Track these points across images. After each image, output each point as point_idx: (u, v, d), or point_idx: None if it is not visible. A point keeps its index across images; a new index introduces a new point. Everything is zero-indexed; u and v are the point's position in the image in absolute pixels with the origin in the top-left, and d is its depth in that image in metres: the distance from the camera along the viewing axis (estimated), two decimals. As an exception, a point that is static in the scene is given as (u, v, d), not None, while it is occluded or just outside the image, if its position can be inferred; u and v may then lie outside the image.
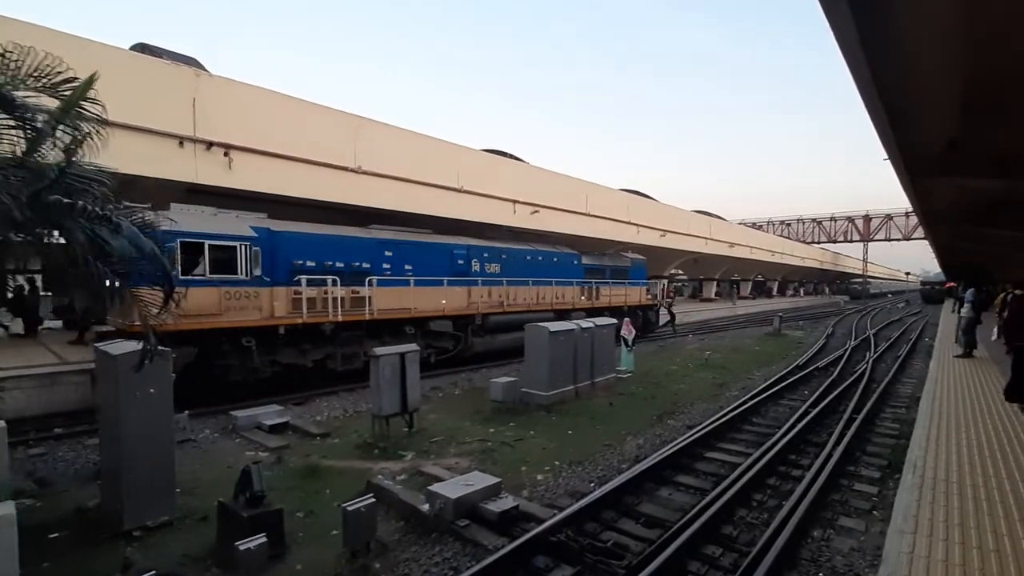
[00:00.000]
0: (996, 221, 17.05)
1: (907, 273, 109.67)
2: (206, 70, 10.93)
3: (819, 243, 60.03)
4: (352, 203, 12.63)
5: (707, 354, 15.53)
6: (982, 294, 13.59)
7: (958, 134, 9.59)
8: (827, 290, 72.89)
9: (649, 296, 21.63)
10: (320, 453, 7.31)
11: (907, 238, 54.56)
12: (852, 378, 12.10)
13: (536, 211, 17.51)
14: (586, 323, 10.98)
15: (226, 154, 10.58)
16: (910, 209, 41.71)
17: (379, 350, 7.50)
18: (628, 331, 13.20)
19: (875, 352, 16.56)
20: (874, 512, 5.23)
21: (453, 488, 5.11)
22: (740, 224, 44.97)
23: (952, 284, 42.27)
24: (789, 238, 55.31)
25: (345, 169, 12.36)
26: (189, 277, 9.08)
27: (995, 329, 14.37)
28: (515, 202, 16.81)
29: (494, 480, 5.40)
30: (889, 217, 55.34)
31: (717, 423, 8.21)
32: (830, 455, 6.64)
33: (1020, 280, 25.07)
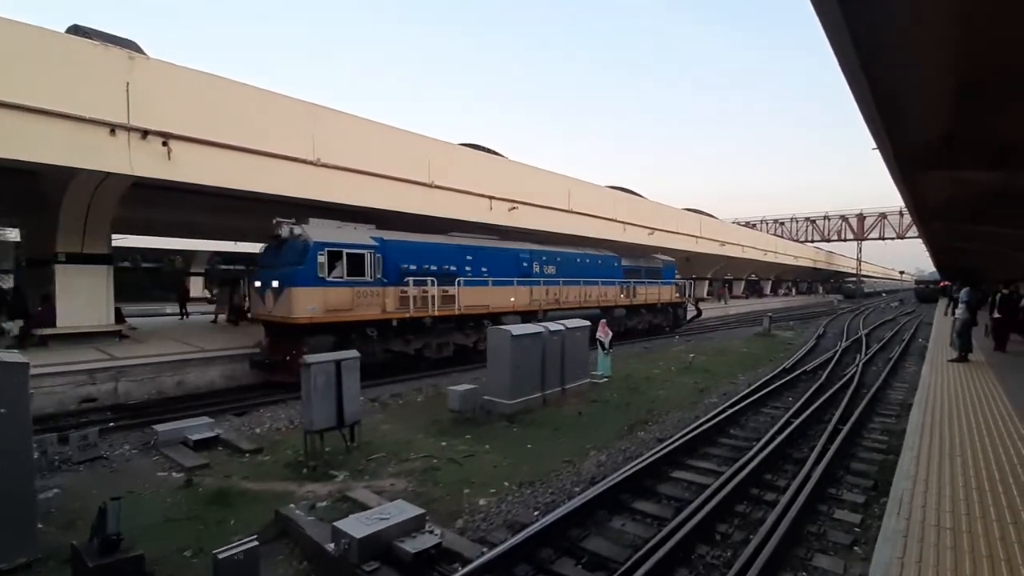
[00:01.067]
0: (991, 218, 16.45)
1: (901, 272, 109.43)
2: (143, 53, 10.12)
3: (813, 242, 59.50)
4: (310, 198, 11.86)
5: (691, 356, 14.82)
6: (977, 294, 12.93)
7: (953, 125, 8.93)
8: (821, 289, 72.43)
9: (678, 294, 23.60)
10: (242, 473, 6.55)
11: (901, 237, 54.02)
12: (840, 383, 11.40)
13: (514, 208, 16.77)
14: (555, 325, 10.24)
15: (165, 143, 9.77)
16: (904, 208, 41.24)
17: (311, 357, 6.72)
18: (604, 333, 12.47)
19: (866, 354, 15.88)
20: (855, 548, 4.50)
21: (364, 523, 4.36)
22: (733, 223, 44.34)
23: (946, 283, 41.81)
24: (782, 237, 54.74)
25: (302, 161, 11.56)
26: (331, 279, 11.00)
27: (985, 327, 13.74)
28: (491, 198, 16.05)
29: (417, 511, 4.65)
30: (883, 216, 54.81)
31: (691, 435, 7.48)
32: (809, 475, 5.92)
33: (1013, 279, 24.53)
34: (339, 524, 4.37)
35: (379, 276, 11.85)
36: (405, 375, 12.34)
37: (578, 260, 18.18)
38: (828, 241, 59.66)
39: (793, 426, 7.95)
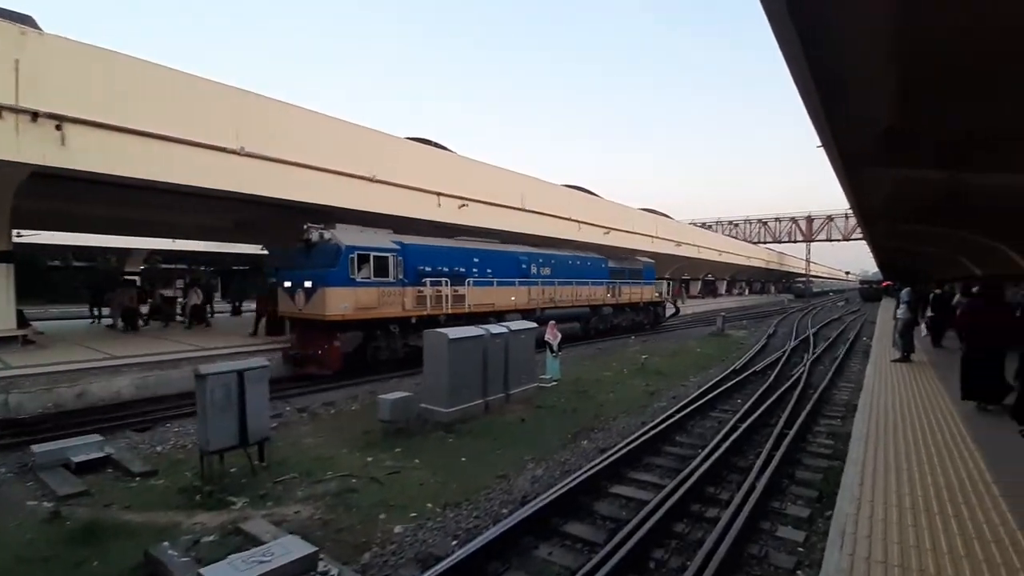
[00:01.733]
0: (931, 219, 16.95)
1: (847, 272, 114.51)
2: (38, 28, 8.99)
3: (765, 243, 61.28)
4: (233, 190, 10.90)
5: (644, 358, 14.55)
6: (918, 294, 13.17)
7: (894, 121, 8.88)
8: (773, 289, 74.81)
9: (657, 294, 25.39)
10: (125, 501, 5.69)
11: (847, 238, 56.29)
12: (788, 383, 11.32)
13: (464, 205, 16.14)
14: (498, 328, 9.69)
15: (58, 127, 8.68)
16: (850, 210, 42.89)
17: (206, 367, 5.91)
18: (553, 336, 12.01)
19: (813, 353, 16.04)
20: (798, 573, 4.11)
21: (239, 569, 3.67)
22: (690, 224, 45.03)
23: (888, 283, 43.67)
24: (736, 238, 56.10)
25: (222, 150, 10.59)
26: (360, 280, 11.83)
27: (922, 326, 14.08)
28: (439, 194, 15.38)
29: (308, 549, 3.99)
30: (830, 218, 56.97)
31: (635, 444, 7.07)
32: (753, 486, 5.57)
33: (948, 279, 25.64)
34: (208, 571, 3.66)
35: (400, 277, 12.88)
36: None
37: (570, 262, 19.41)
38: (779, 242, 61.60)
39: (739, 431, 7.66)
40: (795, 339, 19.96)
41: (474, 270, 15.10)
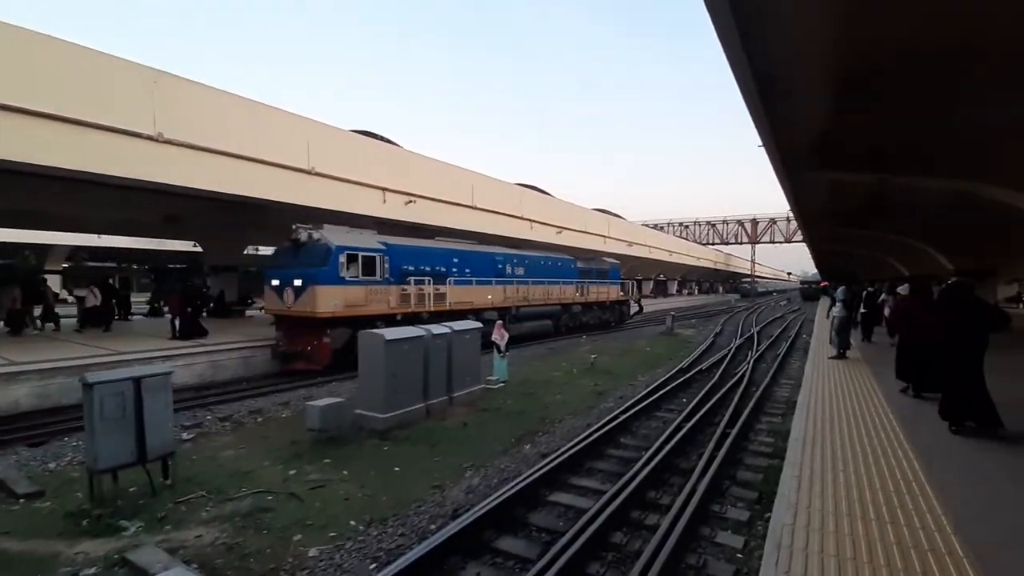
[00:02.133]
0: (864, 222, 17.74)
1: (789, 273, 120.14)
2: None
3: (713, 244, 63.29)
4: (150, 180, 9.97)
5: (593, 357, 14.45)
6: (853, 292, 13.65)
7: (830, 125, 9.07)
8: (720, 289, 77.43)
9: (622, 293, 26.72)
10: (3, 527, 4.95)
11: (788, 240, 58.91)
12: (732, 381, 11.45)
13: (411, 201, 15.58)
14: (440, 328, 9.27)
15: (-67, 103, 7.63)
16: (791, 214, 44.85)
17: (95, 375, 5.21)
18: (500, 335, 11.68)
19: (757, 351, 16.44)
20: (736, 583, 3.93)
21: (104, 612, 3.12)
22: (642, 225, 45.83)
23: (826, 283, 45.89)
24: (687, 239, 57.65)
25: (137, 136, 9.67)
26: (348, 278, 12.25)
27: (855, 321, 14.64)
28: (385, 190, 14.77)
29: (195, 584, 3.48)
30: (773, 221, 59.49)
31: (579, 447, 6.83)
32: (694, 489, 5.41)
33: (879, 280, 27.06)
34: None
35: (386, 276, 13.34)
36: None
37: (542, 263, 20.34)
38: (727, 244, 63.82)
39: (683, 431, 7.56)
40: (740, 337, 20.48)
41: (454, 270, 15.73)
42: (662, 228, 59.40)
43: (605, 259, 26.03)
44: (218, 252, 21.11)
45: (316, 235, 12.36)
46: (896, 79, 6.91)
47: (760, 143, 8.83)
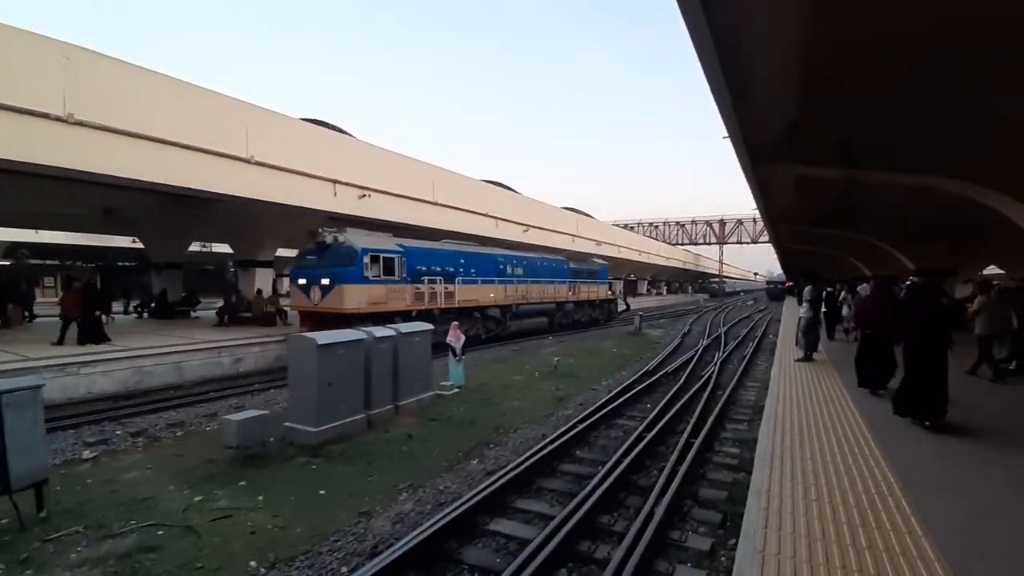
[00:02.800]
0: (828, 221, 17.69)
1: (756, 274, 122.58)
2: None
3: (682, 245, 63.80)
4: (58, 165, 8.88)
5: (556, 360, 13.85)
6: (820, 291, 13.47)
7: (797, 115, 8.67)
8: (690, 289, 78.28)
9: (610, 292, 28.13)
10: None
11: (755, 241, 59.77)
12: (698, 384, 11.01)
13: (366, 195, 14.69)
14: (384, 331, 8.49)
15: None
16: (758, 215, 45.39)
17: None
18: (456, 338, 10.95)
19: (724, 351, 16.15)
20: (694, 636, 3.33)
21: None
22: (613, 224, 45.65)
23: (791, 283, 46.63)
24: (656, 239, 57.89)
25: (44, 116, 8.59)
26: (371, 278, 13.16)
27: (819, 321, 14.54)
28: (336, 182, 13.84)
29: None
30: (740, 222, 60.26)
31: (530, 462, 6.19)
32: (652, 513, 4.82)
33: (843, 280, 27.39)
34: None
35: (404, 276, 14.36)
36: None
37: (538, 263, 21.52)
38: (695, 244, 64.40)
39: (644, 442, 7.00)
40: (708, 337, 20.28)
41: (461, 270, 16.76)
42: (632, 228, 59.51)
43: (595, 260, 27.82)
44: (160, 248, 19.75)
45: (341, 238, 13.34)
46: (863, 73, 6.89)
47: (725, 134, 8.35)
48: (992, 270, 30.29)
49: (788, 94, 7.89)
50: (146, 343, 12.22)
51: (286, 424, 7.36)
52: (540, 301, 21.04)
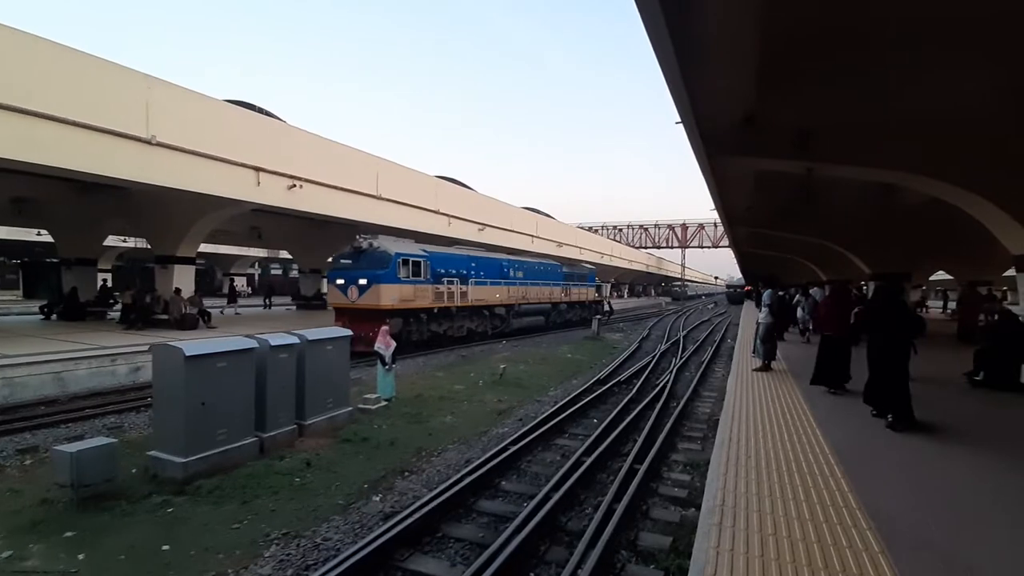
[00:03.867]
0: (784, 224, 17.31)
1: (716, 278, 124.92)
2: None
3: (645, 248, 63.99)
4: None
5: (503, 367, 12.77)
6: (780, 296, 12.91)
7: (755, 107, 7.92)
8: (653, 292, 78.81)
9: (597, 294, 30.44)
10: None
11: (715, 246, 60.46)
12: (651, 394, 10.18)
13: (296, 186, 13.29)
14: (285, 338, 7.21)
15: None
16: (719, 219, 45.73)
17: None
18: (385, 344, 9.74)
19: (681, 357, 15.46)
20: None
21: None
22: (577, 227, 45.00)
23: (749, 287, 47.13)
24: (620, 242, 57.76)
25: None
26: (402, 278, 15.16)
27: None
28: (259, 170, 12.41)
29: None
30: (701, 226, 60.85)
31: (441, 499, 5.09)
32: (577, 570, 3.79)
33: (796, 284, 27.43)
34: None
35: (428, 277, 16.07)
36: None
37: (536, 267, 23.68)
38: (658, 248, 64.72)
39: (583, 468, 6.01)
40: (666, 342, 19.68)
41: (472, 272, 18.52)
42: (596, 231, 59.23)
43: (584, 265, 31.57)
44: (71, 242, 17.73)
45: (376, 243, 15.20)
46: (820, 58, 6.63)
47: (678, 119, 7.48)
48: (940, 275, 30.94)
49: (746, 71, 7.11)
50: (26, 349, 10.55)
51: (150, 453, 6.03)
52: (538, 301, 23.16)
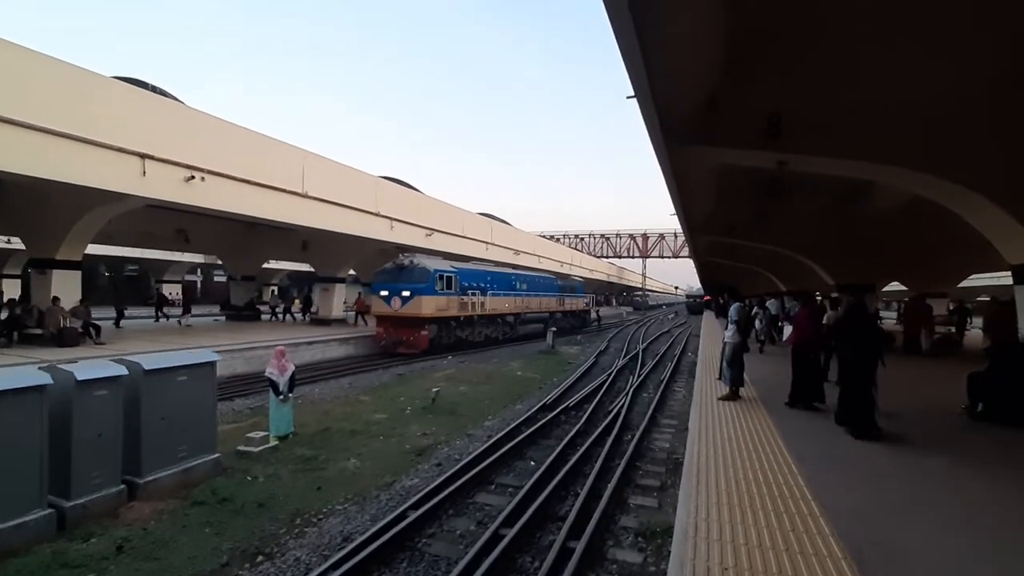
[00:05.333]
0: (744, 232, 16.41)
1: (676, 288, 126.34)
2: None
3: (607, 257, 63.46)
4: None
5: (435, 390, 11.05)
6: (748, 311, 11.80)
7: (721, 91, 6.64)
8: (614, 301, 78.49)
9: (585, 304, 34.46)
10: None
11: (675, 256, 60.43)
12: (603, 424, 8.74)
13: (194, 177, 11.27)
14: (101, 369, 5.32)
15: None
16: (679, 230, 45.34)
17: None
18: (280, 369, 7.91)
19: (639, 376, 14.12)
20: None
21: None
22: (538, 236, 43.70)
23: (708, 298, 46.93)
24: (581, 251, 56.93)
25: None
26: (439, 290, 18.17)
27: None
28: (147, 157, 10.37)
29: None
30: (662, 236, 60.76)
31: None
32: None
33: (755, 295, 26.83)
34: None
35: (457, 290, 19.13)
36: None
37: (538, 280, 27.17)
38: (619, 257, 64.31)
39: (503, 546, 4.43)
40: (624, 356, 18.44)
41: (489, 285, 21.58)
42: (558, 239, 58.22)
43: (574, 278, 36.33)
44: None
45: (416, 261, 18.19)
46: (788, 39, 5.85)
47: (632, 93, 6.06)
48: (895, 287, 31.06)
49: (708, 58, 5.83)
50: None
51: None
52: (539, 310, 26.39)
